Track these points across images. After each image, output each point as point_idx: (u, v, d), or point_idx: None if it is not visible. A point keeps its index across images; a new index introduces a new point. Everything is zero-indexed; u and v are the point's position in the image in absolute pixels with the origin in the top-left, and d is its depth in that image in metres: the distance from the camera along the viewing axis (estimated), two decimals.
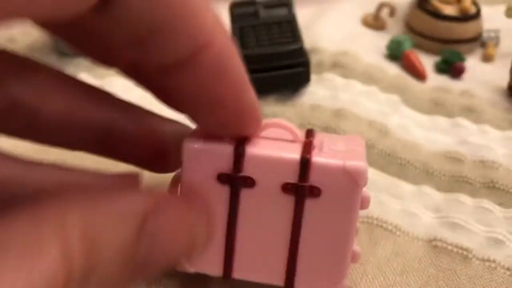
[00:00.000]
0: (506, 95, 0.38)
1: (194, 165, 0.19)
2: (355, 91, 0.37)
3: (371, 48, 0.43)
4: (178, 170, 0.20)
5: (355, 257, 0.20)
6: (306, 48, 0.37)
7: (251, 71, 0.35)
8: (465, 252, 0.26)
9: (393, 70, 0.40)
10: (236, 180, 0.19)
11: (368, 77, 0.39)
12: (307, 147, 0.19)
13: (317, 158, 0.18)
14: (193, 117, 0.18)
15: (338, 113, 0.34)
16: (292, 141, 0.19)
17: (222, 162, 0.18)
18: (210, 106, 0.16)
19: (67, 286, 0.11)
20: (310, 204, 0.19)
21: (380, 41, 0.44)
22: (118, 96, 0.20)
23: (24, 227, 0.11)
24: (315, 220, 0.19)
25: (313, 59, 0.40)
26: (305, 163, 0.18)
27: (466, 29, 0.42)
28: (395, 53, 0.41)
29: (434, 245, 0.26)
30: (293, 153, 0.18)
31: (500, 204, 0.29)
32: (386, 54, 0.42)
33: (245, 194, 0.19)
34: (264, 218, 0.19)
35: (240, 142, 0.18)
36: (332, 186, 0.18)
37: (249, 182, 0.19)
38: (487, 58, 0.42)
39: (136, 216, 0.14)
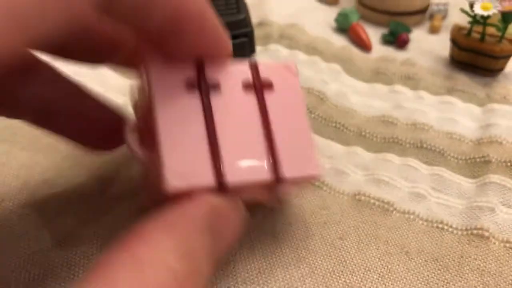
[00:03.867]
0: (448, 63, 0.40)
1: (162, 76, 0.20)
2: (297, 61, 0.38)
3: (321, 22, 0.44)
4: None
5: None
6: (253, 20, 0.38)
7: None
8: (386, 205, 0.27)
9: (340, 42, 0.42)
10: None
11: (313, 48, 0.40)
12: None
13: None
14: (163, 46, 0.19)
15: None
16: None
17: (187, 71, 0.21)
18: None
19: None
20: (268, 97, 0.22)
21: (331, 15, 0.45)
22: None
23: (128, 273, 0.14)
24: (277, 111, 0.22)
25: (262, 32, 0.41)
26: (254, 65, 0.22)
27: (412, 2, 0.43)
28: (343, 26, 0.43)
29: (358, 199, 0.28)
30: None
31: (425, 162, 0.30)
32: (335, 28, 0.44)
33: (214, 98, 0.21)
34: (236, 117, 0.21)
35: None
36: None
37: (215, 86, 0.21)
38: (433, 30, 0.44)
39: (207, 225, 0.17)
